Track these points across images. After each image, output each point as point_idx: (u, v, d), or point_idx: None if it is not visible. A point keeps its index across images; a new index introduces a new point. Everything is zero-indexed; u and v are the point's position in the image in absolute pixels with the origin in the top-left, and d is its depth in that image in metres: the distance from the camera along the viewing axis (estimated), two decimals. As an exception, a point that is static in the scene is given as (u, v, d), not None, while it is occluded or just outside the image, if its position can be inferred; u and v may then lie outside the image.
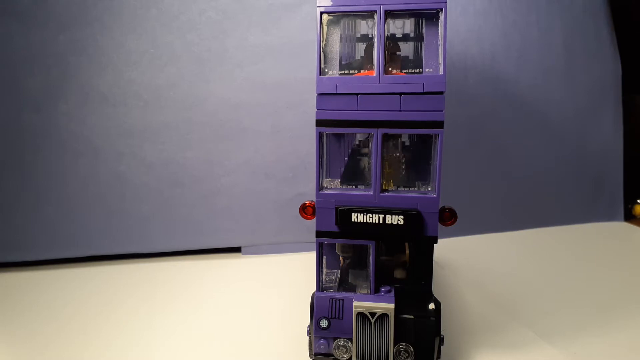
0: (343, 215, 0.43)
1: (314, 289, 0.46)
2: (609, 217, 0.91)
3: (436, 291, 0.47)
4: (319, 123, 0.43)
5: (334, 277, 0.47)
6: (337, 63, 0.45)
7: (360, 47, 0.47)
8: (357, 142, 0.48)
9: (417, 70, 0.45)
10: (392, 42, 0.46)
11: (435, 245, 0.44)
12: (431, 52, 0.43)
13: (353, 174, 0.46)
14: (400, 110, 0.41)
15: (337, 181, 0.46)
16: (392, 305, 0.42)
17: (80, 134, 0.73)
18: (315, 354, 0.45)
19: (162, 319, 0.56)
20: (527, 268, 0.70)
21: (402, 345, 0.43)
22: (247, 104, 0.75)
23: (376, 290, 0.44)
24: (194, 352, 0.50)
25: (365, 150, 0.47)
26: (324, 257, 0.46)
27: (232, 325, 0.55)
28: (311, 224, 0.46)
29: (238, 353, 0.49)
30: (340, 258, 0.47)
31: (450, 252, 0.76)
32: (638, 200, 0.94)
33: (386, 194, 0.43)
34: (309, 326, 0.45)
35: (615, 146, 0.91)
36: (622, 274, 0.67)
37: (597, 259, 0.73)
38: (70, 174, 0.73)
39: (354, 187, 0.45)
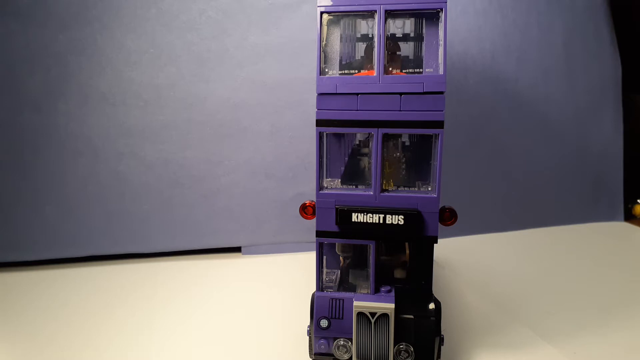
0: (343, 215, 0.43)
1: (314, 289, 0.46)
2: (609, 217, 0.91)
3: (436, 291, 0.47)
4: (319, 123, 0.43)
5: (334, 277, 0.47)
6: (337, 63, 0.45)
7: (361, 47, 0.47)
8: (357, 142, 0.48)
9: (417, 70, 0.45)
10: (392, 42, 0.46)
11: (435, 245, 0.44)
12: (431, 52, 0.43)
13: (353, 174, 0.46)
14: (400, 110, 0.42)
15: (337, 181, 0.46)
16: (392, 305, 0.42)
17: (80, 133, 0.73)
18: (315, 354, 0.45)
19: (162, 319, 0.56)
20: (527, 268, 0.70)
21: (402, 345, 0.43)
22: (247, 104, 0.75)
23: (376, 290, 0.44)
24: (194, 352, 0.50)
25: (366, 150, 0.47)
26: (324, 257, 0.46)
27: (232, 325, 0.55)
28: (311, 224, 0.46)
29: (238, 353, 0.49)
30: (340, 258, 0.47)
31: (450, 252, 0.76)
32: (638, 200, 0.94)
33: (386, 193, 0.43)
34: (309, 326, 0.45)
35: (615, 146, 0.91)
36: (622, 274, 0.67)
37: (597, 259, 0.73)
38: (70, 174, 0.73)
39: (354, 187, 0.45)
